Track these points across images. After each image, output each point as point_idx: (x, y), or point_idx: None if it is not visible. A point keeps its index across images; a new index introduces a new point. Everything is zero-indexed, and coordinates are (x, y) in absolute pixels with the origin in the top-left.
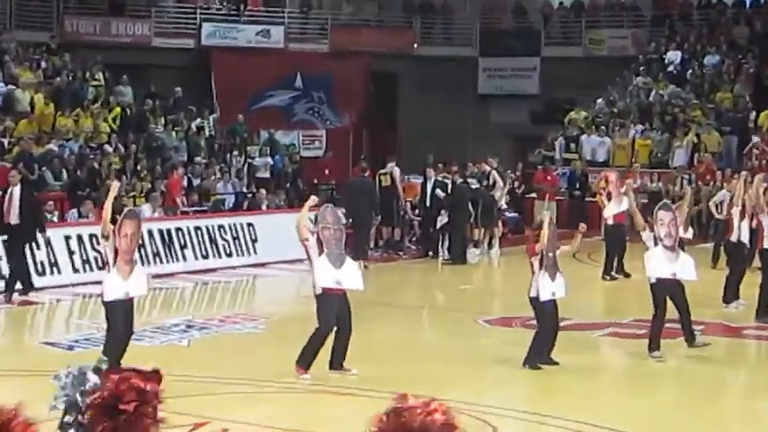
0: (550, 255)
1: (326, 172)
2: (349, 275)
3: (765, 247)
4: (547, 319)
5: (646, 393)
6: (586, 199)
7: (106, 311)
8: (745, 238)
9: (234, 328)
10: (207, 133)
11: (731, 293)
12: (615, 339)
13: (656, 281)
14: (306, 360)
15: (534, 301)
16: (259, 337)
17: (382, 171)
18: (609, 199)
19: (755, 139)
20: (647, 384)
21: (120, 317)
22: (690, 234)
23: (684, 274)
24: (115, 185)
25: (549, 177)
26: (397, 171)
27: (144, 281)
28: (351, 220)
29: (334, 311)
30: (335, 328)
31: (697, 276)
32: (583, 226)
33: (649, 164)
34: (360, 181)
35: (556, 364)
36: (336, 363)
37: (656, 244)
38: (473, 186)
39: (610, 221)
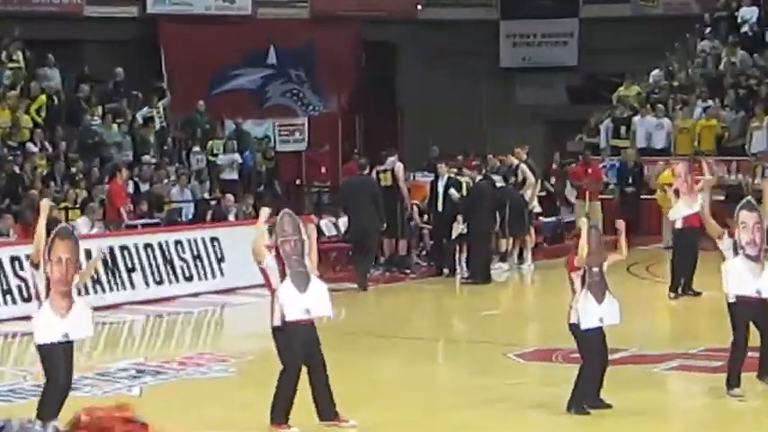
0: (594, 269)
1: (323, 170)
2: (317, 300)
3: None
4: (593, 351)
5: None
6: (642, 197)
7: (41, 358)
8: None
9: (197, 372)
10: (157, 125)
11: None
12: (683, 374)
13: (735, 300)
14: (280, 412)
15: (575, 329)
16: (229, 381)
17: (381, 168)
18: (677, 196)
19: None
20: (724, 430)
21: (59, 364)
22: None
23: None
24: (45, 204)
25: (590, 171)
26: (399, 167)
27: (87, 318)
28: (349, 230)
29: (298, 346)
30: (307, 369)
31: None
32: (620, 223)
33: (717, 150)
34: (360, 181)
35: (608, 406)
36: (327, 412)
37: (736, 253)
38: (497, 185)
39: (678, 225)
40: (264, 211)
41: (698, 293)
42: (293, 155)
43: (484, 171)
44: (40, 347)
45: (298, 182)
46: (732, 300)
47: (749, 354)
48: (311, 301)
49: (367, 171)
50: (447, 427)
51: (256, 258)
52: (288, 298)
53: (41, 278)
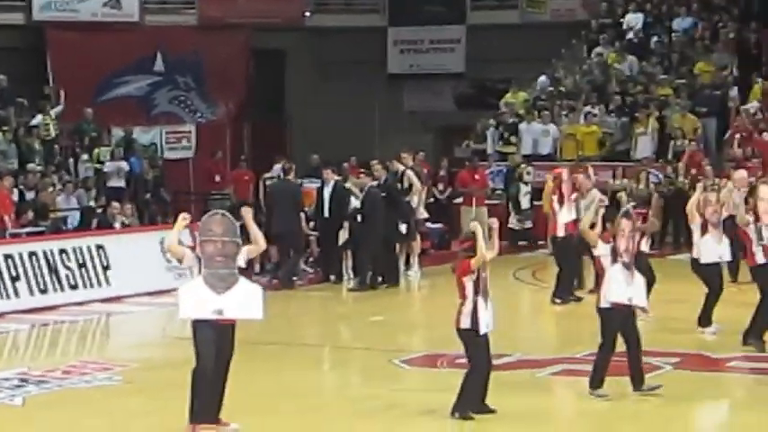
0: (483, 275)
1: (217, 179)
2: (237, 301)
3: (760, 262)
4: (482, 356)
5: None
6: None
7: None
8: (709, 256)
9: (82, 381)
10: (43, 133)
11: (706, 316)
12: (568, 378)
13: (609, 305)
14: (200, 413)
15: (466, 334)
16: (115, 390)
17: (268, 175)
18: (561, 203)
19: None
20: None
21: None
22: (646, 246)
23: (638, 300)
24: None
25: (477, 177)
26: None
27: None
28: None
29: (209, 345)
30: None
31: (647, 303)
32: (494, 221)
33: (601, 156)
34: (283, 186)
35: (492, 411)
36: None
37: (614, 260)
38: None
39: (561, 232)
40: (184, 216)
41: (579, 299)
42: (181, 162)
43: (386, 178)
44: None
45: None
46: (605, 305)
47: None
48: (227, 302)
49: (291, 175)
50: None
51: (176, 258)
52: (195, 296)
53: None
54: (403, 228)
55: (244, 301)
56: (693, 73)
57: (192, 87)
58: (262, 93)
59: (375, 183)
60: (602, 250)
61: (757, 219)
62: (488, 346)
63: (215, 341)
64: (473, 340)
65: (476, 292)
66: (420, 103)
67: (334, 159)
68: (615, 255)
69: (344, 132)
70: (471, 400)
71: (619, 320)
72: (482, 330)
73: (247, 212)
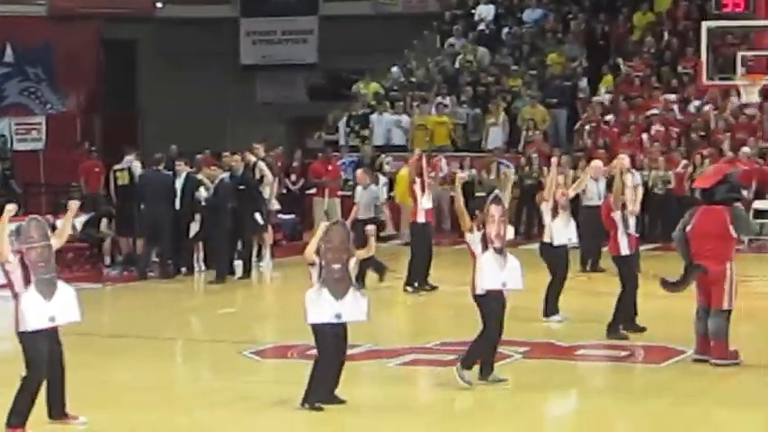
0: (335, 266)
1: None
2: (64, 305)
3: (623, 253)
4: (328, 346)
5: None
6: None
7: None
8: (559, 238)
9: None
10: None
11: (552, 305)
12: (418, 368)
13: (484, 292)
14: (18, 417)
15: (313, 325)
16: None
17: (118, 167)
18: (423, 190)
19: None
20: (458, 424)
21: None
22: (511, 233)
23: (512, 283)
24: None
25: (330, 168)
26: (137, 166)
27: None
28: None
29: (44, 353)
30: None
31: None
32: (370, 229)
33: (453, 146)
34: (154, 176)
35: (342, 402)
36: (57, 410)
37: (485, 247)
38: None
39: (421, 218)
40: (9, 207)
41: (434, 288)
42: (31, 154)
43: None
44: None
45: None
46: (481, 292)
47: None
48: (56, 308)
49: (162, 165)
50: (183, 429)
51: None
52: (30, 307)
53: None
54: (259, 219)
55: (67, 305)
56: (544, 64)
57: (43, 79)
58: (113, 84)
59: (227, 174)
60: (472, 237)
61: (623, 207)
62: (345, 337)
63: (48, 350)
64: (316, 329)
65: (320, 282)
66: (273, 94)
67: (186, 151)
68: (486, 242)
69: (197, 124)
70: (320, 391)
71: (495, 306)
72: (313, 320)
73: (74, 205)
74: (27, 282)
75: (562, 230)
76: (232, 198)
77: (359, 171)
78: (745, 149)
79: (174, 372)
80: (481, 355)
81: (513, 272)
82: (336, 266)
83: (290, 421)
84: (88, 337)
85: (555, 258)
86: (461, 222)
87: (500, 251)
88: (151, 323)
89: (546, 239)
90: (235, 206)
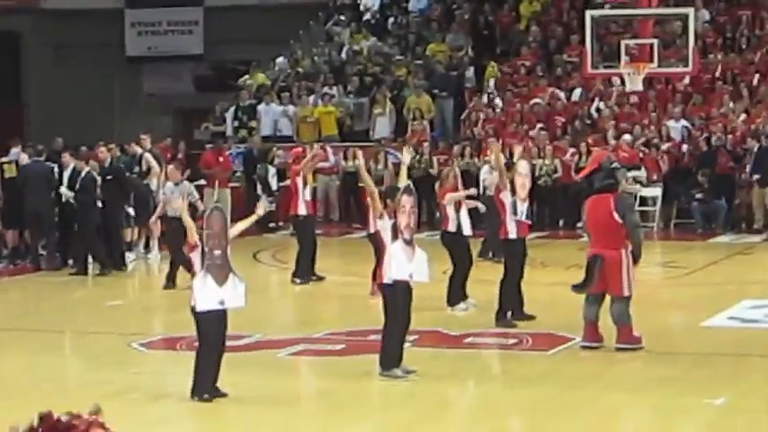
0: (216, 252)
1: None
2: None
3: (510, 237)
4: (210, 334)
5: (346, 423)
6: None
7: None
8: (466, 228)
9: None
10: None
11: (455, 294)
12: (307, 358)
13: (392, 282)
14: None
15: (194, 312)
16: None
17: (5, 160)
18: (304, 183)
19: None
20: (348, 414)
21: None
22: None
23: (418, 275)
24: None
25: (221, 159)
26: (24, 158)
27: None
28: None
29: None
30: None
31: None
32: (261, 206)
33: (341, 136)
34: (35, 167)
35: (224, 395)
36: None
37: (394, 236)
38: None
39: (302, 211)
40: None
41: (321, 278)
42: None
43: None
44: None
45: None
46: (388, 281)
47: (372, 336)
48: None
49: (44, 158)
50: None
51: None
52: None
53: None
54: (131, 211)
55: None
56: (428, 53)
57: None
58: None
59: (92, 167)
60: (382, 225)
61: (514, 192)
62: (220, 325)
63: None
64: (199, 317)
65: (204, 268)
66: (159, 85)
67: (73, 144)
68: (396, 231)
69: (84, 116)
70: (206, 381)
71: (402, 296)
72: (200, 308)
73: None
74: None
75: (468, 221)
76: (101, 191)
77: (170, 166)
78: (626, 137)
79: (62, 363)
80: (395, 346)
81: (420, 263)
82: (218, 252)
83: (176, 412)
84: None
85: (460, 248)
86: (373, 206)
87: (409, 242)
88: (38, 315)
89: (451, 229)
90: (102, 198)
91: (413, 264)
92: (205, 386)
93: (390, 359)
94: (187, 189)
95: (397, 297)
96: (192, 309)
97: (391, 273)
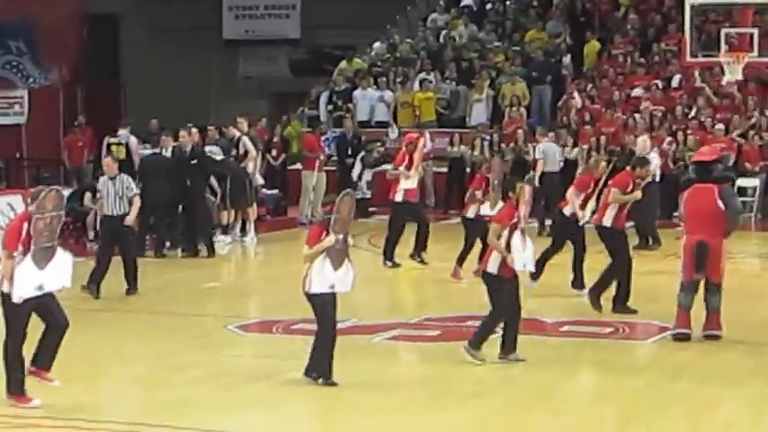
0: (339, 237)
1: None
2: (55, 273)
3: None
4: (324, 317)
5: (442, 409)
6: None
7: None
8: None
9: None
10: None
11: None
12: (403, 343)
13: (496, 272)
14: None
15: (310, 297)
16: None
17: (114, 141)
18: (408, 170)
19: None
20: (444, 400)
21: None
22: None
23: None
24: None
25: (321, 143)
26: (133, 141)
27: None
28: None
29: (25, 320)
30: (46, 326)
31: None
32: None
33: (439, 122)
34: (153, 158)
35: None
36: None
37: (514, 228)
38: (217, 158)
39: (399, 197)
40: None
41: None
42: (13, 128)
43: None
44: None
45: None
46: (492, 271)
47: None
48: (48, 276)
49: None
50: (167, 404)
51: None
52: (24, 276)
53: None
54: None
55: (59, 272)
56: (526, 41)
57: (25, 52)
58: (96, 58)
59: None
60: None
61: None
62: (333, 308)
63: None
64: (316, 302)
65: (326, 253)
66: (255, 68)
67: (170, 125)
68: (515, 223)
69: (181, 98)
70: (320, 362)
71: (507, 287)
72: (314, 290)
73: None
74: (27, 251)
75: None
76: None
77: (106, 159)
78: (720, 126)
79: (159, 345)
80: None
81: (531, 254)
82: (340, 237)
83: (270, 395)
84: (72, 311)
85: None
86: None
87: (523, 233)
88: (136, 297)
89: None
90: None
91: (527, 252)
92: (318, 367)
93: (478, 342)
94: (126, 183)
95: (503, 287)
96: (306, 292)
97: (515, 265)
